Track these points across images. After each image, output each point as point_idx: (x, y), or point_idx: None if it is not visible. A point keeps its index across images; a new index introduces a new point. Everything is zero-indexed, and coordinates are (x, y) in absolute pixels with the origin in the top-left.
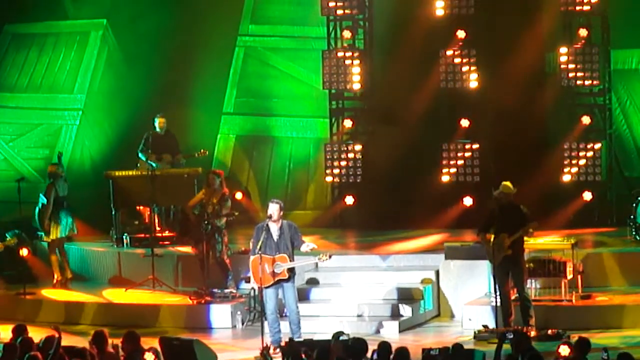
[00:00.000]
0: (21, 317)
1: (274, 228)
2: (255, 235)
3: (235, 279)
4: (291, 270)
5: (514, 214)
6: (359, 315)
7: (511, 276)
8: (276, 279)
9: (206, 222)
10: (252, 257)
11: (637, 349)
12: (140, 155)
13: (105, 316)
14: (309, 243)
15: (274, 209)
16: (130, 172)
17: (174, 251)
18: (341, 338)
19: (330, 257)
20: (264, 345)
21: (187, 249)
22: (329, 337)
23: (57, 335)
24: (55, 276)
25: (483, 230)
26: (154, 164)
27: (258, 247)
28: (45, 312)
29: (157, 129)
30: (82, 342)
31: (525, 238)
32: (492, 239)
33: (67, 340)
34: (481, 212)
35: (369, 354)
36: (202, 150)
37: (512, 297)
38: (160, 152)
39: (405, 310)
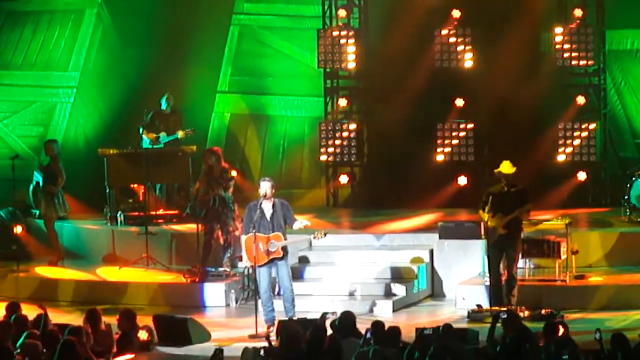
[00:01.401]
0: (14, 294)
1: (267, 206)
2: (248, 214)
3: (233, 257)
4: (285, 249)
5: (513, 194)
6: (352, 294)
7: (504, 255)
8: (270, 257)
9: (215, 198)
10: (245, 236)
11: (630, 330)
12: (140, 130)
13: (99, 294)
14: (302, 220)
15: (266, 187)
16: (125, 150)
17: (168, 229)
18: (327, 317)
19: (325, 235)
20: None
21: (182, 227)
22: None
23: (43, 312)
24: (57, 253)
25: (482, 209)
26: (147, 143)
27: (252, 226)
28: (38, 289)
29: (164, 107)
30: (76, 321)
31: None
32: (489, 218)
33: (60, 319)
34: (475, 191)
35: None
36: (188, 130)
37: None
38: (164, 130)
39: (399, 290)
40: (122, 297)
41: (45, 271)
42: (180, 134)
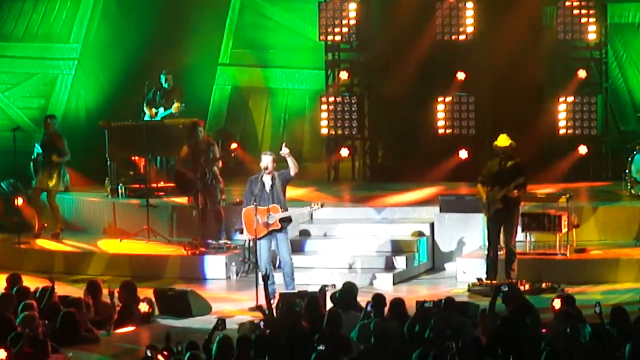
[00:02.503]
0: (15, 266)
1: (267, 180)
2: (249, 188)
3: (229, 230)
4: (284, 221)
5: (511, 167)
6: (352, 267)
7: (502, 229)
8: (270, 229)
9: (203, 171)
10: (245, 208)
11: (630, 303)
12: (143, 105)
13: (100, 266)
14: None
15: (267, 160)
16: (126, 122)
17: (169, 202)
18: (326, 290)
19: (322, 205)
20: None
21: (182, 200)
22: None
23: (51, 285)
24: (58, 225)
25: (481, 182)
26: (148, 118)
27: (252, 198)
28: (39, 261)
29: (165, 85)
30: (76, 292)
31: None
32: (486, 191)
33: (61, 290)
34: (476, 165)
35: (362, 306)
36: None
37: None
38: (165, 105)
39: (399, 263)
40: (123, 269)
41: (46, 243)
42: (174, 108)
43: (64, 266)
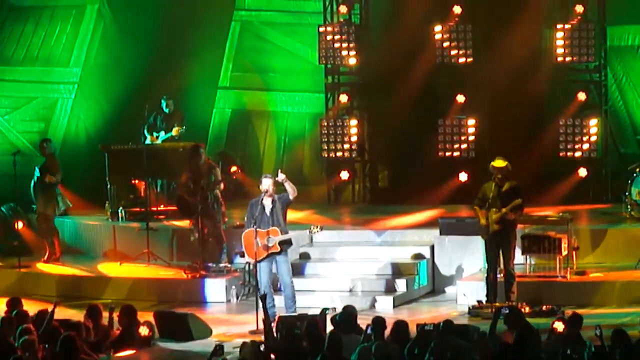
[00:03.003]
0: (16, 290)
1: (267, 202)
2: (250, 211)
3: (230, 253)
4: (284, 243)
5: (507, 190)
6: (353, 290)
7: (501, 252)
8: (269, 252)
9: (204, 194)
10: (245, 231)
11: (631, 326)
12: (144, 130)
13: (100, 290)
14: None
15: (268, 183)
16: (126, 146)
17: (169, 225)
18: (327, 313)
19: (321, 229)
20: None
21: (183, 223)
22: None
23: (50, 309)
24: (58, 250)
25: (477, 205)
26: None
27: (253, 221)
28: (40, 285)
29: (165, 110)
30: (76, 316)
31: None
32: (483, 214)
33: (61, 314)
34: (476, 188)
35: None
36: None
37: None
38: (167, 130)
39: (400, 286)
40: (123, 292)
41: (47, 267)
42: (174, 131)
43: (64, 290)
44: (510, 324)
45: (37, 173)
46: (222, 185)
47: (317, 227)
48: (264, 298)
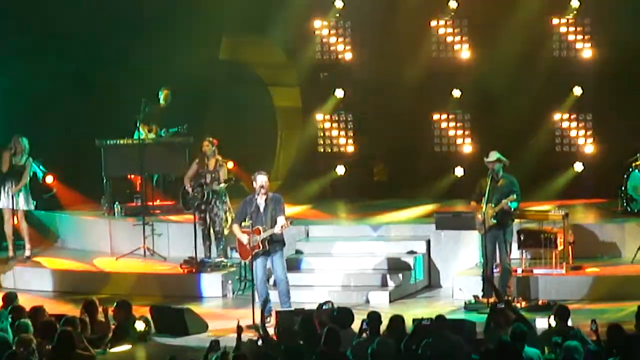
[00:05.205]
0: (12, 285)
1: (261, 202)
2: (242, 207)
3: (226, 248)
4: (274, 243)
5: (502, 184)
6: (348, 285)
7: (497, 246)
8: (254, 252)
9: (205, 190)
10: (235, 226)
11: (626, 321)
12: (137, 122)
13: (96, 285)
14: (280, 221)
15: (263, 180)
16: (121, 141)
17: (165, 220)
18: (324, 307)
19: (291, 222)
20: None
21: (179, 218)
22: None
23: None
24: (29, 246)
25: (474, 199)
26: (142, 135)
27: (243, 218)
28: (35, 280)
29: (161, 102)
30: (72, 311)
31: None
32: (479, 209)
33: (57, 309)
34: (472, 182)
35: (357, 323)
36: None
37: (495, 267)
38: (155, 125)
39: (396, 280)
40: (119, 288)
41: (42, 261)
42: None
43: (60, 285)
44: (505, 318)
45: (33, 168)
46: (223, 185)
47: (287, 222)
48: (265, 302)
